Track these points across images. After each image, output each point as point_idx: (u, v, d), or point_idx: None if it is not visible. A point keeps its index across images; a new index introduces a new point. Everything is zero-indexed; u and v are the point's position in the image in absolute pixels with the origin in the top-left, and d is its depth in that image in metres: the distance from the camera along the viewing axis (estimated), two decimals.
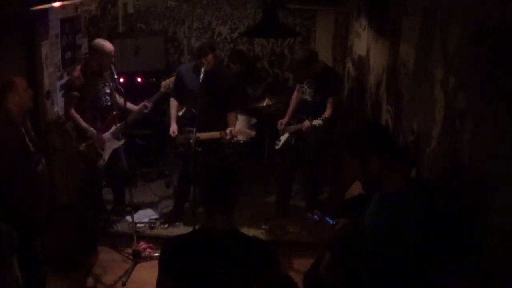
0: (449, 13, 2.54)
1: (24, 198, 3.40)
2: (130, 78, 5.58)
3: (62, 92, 4.61)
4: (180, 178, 4.80)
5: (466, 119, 2.27)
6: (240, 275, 2.02)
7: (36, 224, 3.15)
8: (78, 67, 4.40)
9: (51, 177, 4.25)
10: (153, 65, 5.88)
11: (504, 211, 1.89)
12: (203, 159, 4.27)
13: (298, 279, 2.40)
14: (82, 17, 5.07)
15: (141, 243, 4.45)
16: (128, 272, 4.11)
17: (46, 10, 4.27)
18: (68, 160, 4.70)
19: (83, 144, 4.40)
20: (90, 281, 3.43)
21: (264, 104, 5.59)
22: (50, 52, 4.45)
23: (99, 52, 4.29)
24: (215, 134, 4.37)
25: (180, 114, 4.63)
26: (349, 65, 5.69)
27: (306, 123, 4.38)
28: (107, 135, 4.47)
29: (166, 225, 4.78)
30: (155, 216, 4.95)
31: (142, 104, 4.56)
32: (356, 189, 3.05)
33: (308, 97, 4.66)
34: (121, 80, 4.98)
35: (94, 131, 4.37)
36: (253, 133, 4.63)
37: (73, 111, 4.34)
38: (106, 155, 4.48)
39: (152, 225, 4.77)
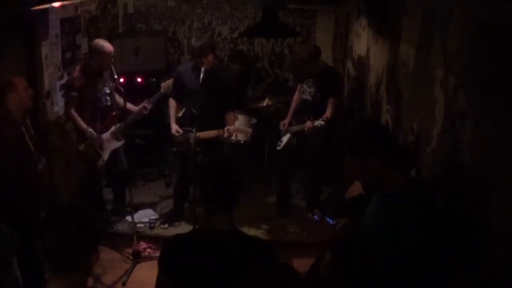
0: (449, 13, 2.54)
1: (24, 198, 3.40)
2: (130, 78, 5.58)
3: (62, 92, 4.62)
4: (180, 178, 4.80)
5: (466, 119, 2.27)
6: (240, 275, 2.02)
7: (36, 224, 3.15)
8: (78, 67, 4.40)
9: (51, 177, 4.24)
10: (153, 65, 5.88)
11: (504, 211, 1.89)
12: (203, 158, 4.27)
13: None
14: (82, 17, 5.06)
15: (141, 243, 4.45)
16: (128, 272, 4.12)
17: (46, 10, 4.26)
18: (68, 160, 4.70)
19: (82, 144, 4.40)
20: (90, 281, 3.44)
21: (264, 104, 5.59)
22: (50, 52, 4.45)
23: (99, 52, 4.29)
24: (213, 132, 4.37)
25: (179, 115, 4.63)
26: (349, 65, 5.69)
27: (308, 124, 4.38)
28: (106, 135, 4.48)
29: (166, 225, 4.78)
30: (155, 216, 4.95)
31: (141, 105, 4.56)
32: (356, 189, 3.05)
33: (308, 97, 4.66)
34: (121, 80, 4.98)
35: (93, 132, 4.38)
36: (250, 130, 4.65)
37: (73, 112, 4.34)
38: (105, 156, 4.49)
39: (152, 225, 4.77)
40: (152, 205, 5.16)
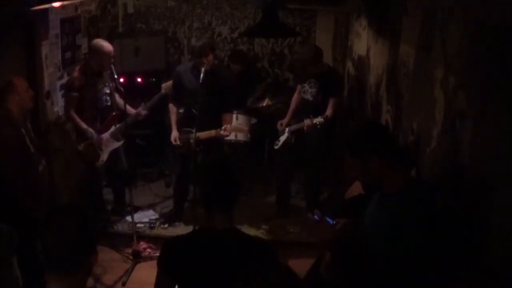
0: (449, 13, 2.54)
1: (24, 198, 3.40)
2: (130, 78, 5.58)
3: (62, 92, 4.62)
4: (180, 178, 4.80)
5: (466, 119, 2.27)
6: (240, 275, 2.02)
7: (36, 224, 3.15)
8: (78, 67, 4.40)
9: (51, 177, 4.25)
10: (153, 65, 5.88)
11: (504, 211, 1.89)
12: (203, 158, 4.27)
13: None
14: (82, 17, 5.07)
15: (141, 243, 4.45)
16: (128, 272, 4.12)
17: (46, 10, 4.27)
18: (68, 160, 4.70)
19: (82, 144, 4.41)
20: (90, 281, 3.43)
21: (264, 104, 5.59)
22: (50, 52, 4.45)
23: (99, 52, 4.29)
24: (212, 132, 4.37)
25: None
26: (349, 65, 5.69)
27: (307, 121, 4.37)
28: (106, 135, 4.48)
29: (166, 225, 4.78)
30: (155, 216, 4.95)
31: (138, 109, 4.57)
32: (356, 189, 3.05)
33: (309, 97, 4.65)
34: (121, 80, 4.98)
35: (94, 132, 4.38)
36: (246, 128, 4.65)
37: (72, 112, 4.35)
38: (105, 156, 4.49)
39: (152, 225, 4.77)
40: (152, 205, 5.16)
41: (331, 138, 4.85)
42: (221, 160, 2.31)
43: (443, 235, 2.27)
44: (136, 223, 4.51)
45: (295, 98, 4.92)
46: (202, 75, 4.22)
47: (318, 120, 4.30)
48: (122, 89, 4.34)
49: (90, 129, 4.37)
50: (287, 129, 4.75)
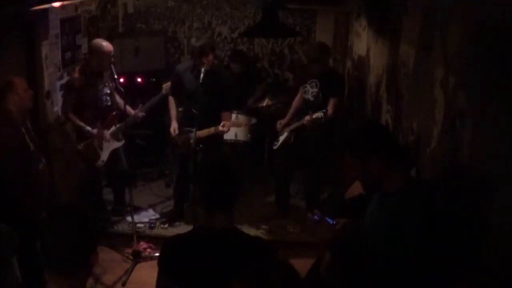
0: (449, 13, 2.54)
1: (24, 198, 3.40)
2: (130, 78, 5.58)
3: (62, 92, 4.62)
4: (179, 178, 4.80)
5: (466, 119, 2.27)
6: (240, 274, 2.01)
7: (36, 224, 3.15)
8: (78, 68, 4.41)
9: (51, 177, 4.25)
10: (153, 65, 5.88)
11: (504, 211, 1.89)
12: (203, 158, 4.27)
13: None
14: (82, 17, 5.07)
15: (141, 243, 4.45)
16: (128, 272, 4.11)
17: (46, 10, 4.27)
18: (68, 160, 4.70)
19: (82, 144, 4.41)
20: (90, 281, 3.43)
21: (264, 104, 5.59)
22: (50, 52, 4.45)
23: (99, 52, 4.29)
24: (211, 130, 4.38)
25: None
26: (349, 65, 5.69)
27: (307, 117, 4.38)
28: (106, 134, 4.48)
29: (166, 225, 4.78)
30: (155, 216, 4.95)
31: (136, 110, 4.57)
32: (356, 189, 3.04)
33: (310, 97, 4.65)
34: (121, 80, 4.98)
35: (92, 129, 4.38)
36: (243, 123, 4.67)
37: (69, 113, 4.35)
38: (105, 156, 4.49)
39: (152, 225, 4.77)
40: (152, 205, 5.16)
41: (331, 137, 4.85)
42: (221, 160, 2.31)
43: (443, 235, 2.27)
44: (136, 223, 4.51)
45: (297, 99, 4.91)
46: (202, 75, 4.22)
47: (318, 114, 4.29)
48: (122, 89, 4.34)
49: (88, 127, 4.36)
50: (286, 129, 4.75)
